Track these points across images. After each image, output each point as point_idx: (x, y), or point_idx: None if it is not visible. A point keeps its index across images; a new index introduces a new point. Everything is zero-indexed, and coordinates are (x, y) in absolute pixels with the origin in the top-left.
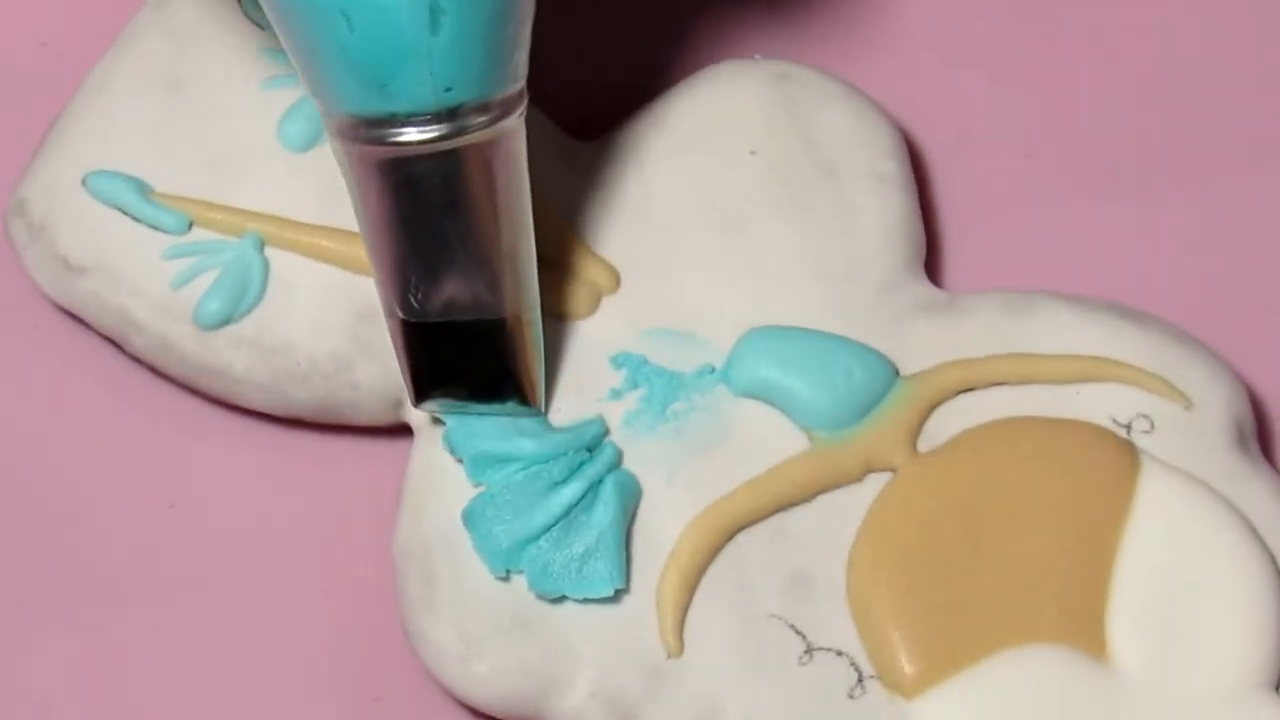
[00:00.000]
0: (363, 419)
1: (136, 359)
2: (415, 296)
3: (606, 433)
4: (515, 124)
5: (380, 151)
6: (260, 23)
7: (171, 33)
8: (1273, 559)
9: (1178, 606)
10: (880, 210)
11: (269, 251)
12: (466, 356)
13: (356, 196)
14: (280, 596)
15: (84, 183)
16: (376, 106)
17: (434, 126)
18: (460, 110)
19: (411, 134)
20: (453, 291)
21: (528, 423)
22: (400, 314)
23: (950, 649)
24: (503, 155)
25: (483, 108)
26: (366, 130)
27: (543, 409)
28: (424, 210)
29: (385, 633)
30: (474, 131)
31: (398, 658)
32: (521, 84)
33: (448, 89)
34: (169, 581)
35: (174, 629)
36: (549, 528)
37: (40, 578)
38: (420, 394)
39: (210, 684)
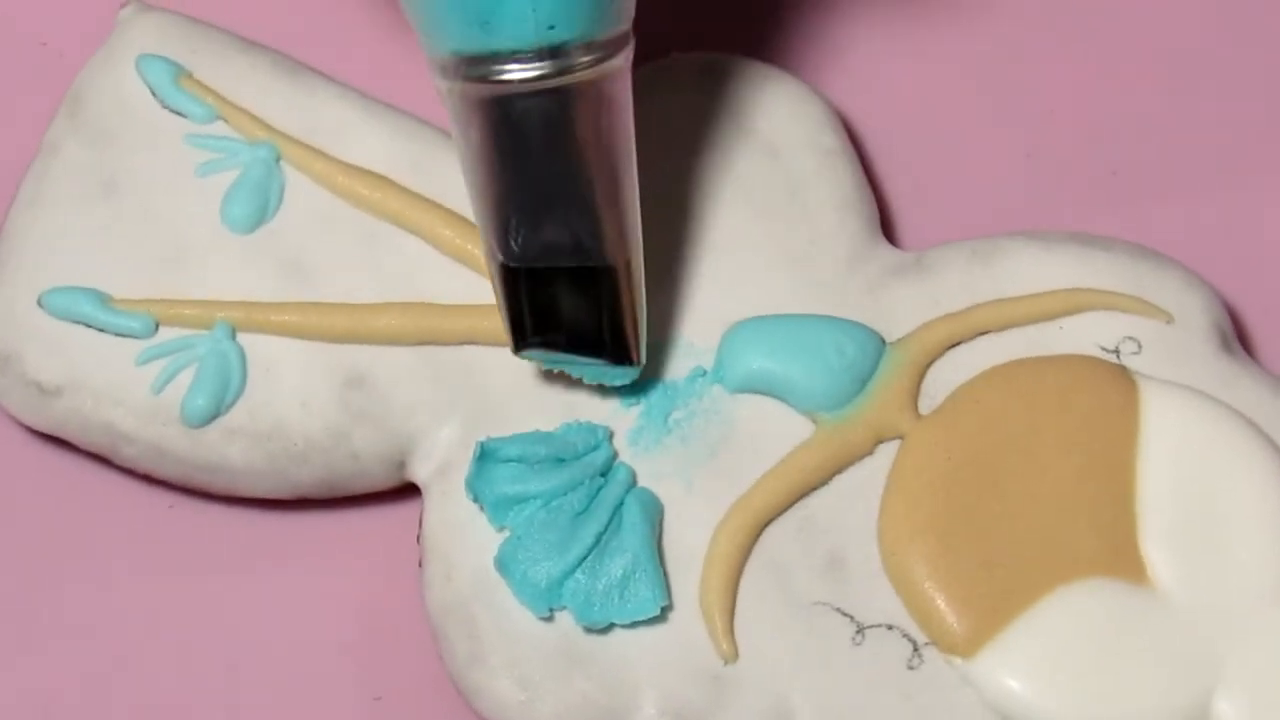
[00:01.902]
0: (367, 486)
1: (127, 469)
2: (515, 239)
3: (615, 454)
4: (620, 65)
5: (482, 89)
6: (179, 110)
7: (92, 137)
8: None
9: (1203, 518)
10: (830, 183)
11: (242, 338)
12: (566, 304)
13: (459, 136)
14: (280, 597)
15: (40, 303)
16: (479, 44)
17: (536, 65)
18: (563, 49)
19: (514, 72)
20: (553, 235)
21: (539, 455)
22: (500, 257)
23: (997, 601)
24: (607, 97)
25: (587, 47)
26: (469, 68)
27: (642, 362)
28: (525, 150)
29: (386, 633)
30: (578, 71)
31: (397, 658)
32: (627, 26)
33: (550, 26)
34: (169, 583)
35: (173, 628)
36: (583, 559)
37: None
38: (519, 342)
39: (210, 684)
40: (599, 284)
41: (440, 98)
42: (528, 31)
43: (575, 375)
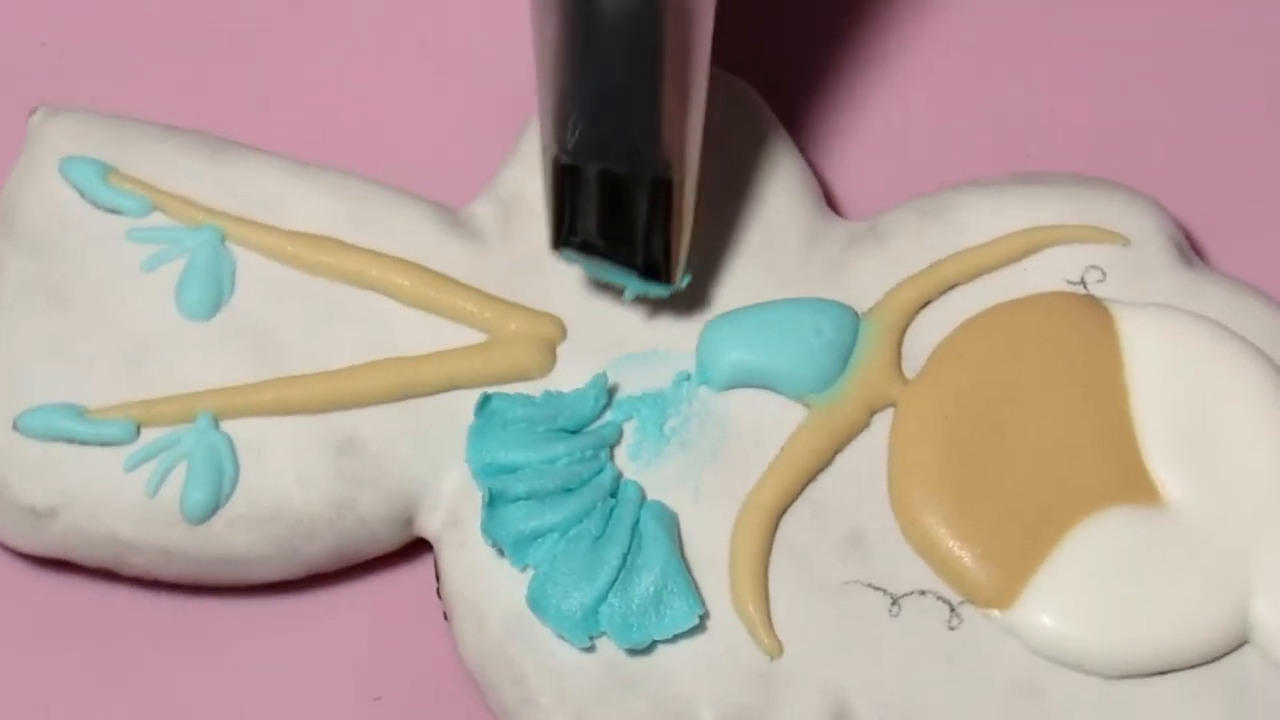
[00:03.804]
0: (378, 549)
1: (134, 578)
2: (573, 133)
3: (620, 473)
4: None
5: None
6: (114, 208)
7: (32, 250)
8: (1263, 353)
9: (1203, 429)
10: (771, 165)
11: (226, 425)
12: (613, 209)
13: (535, 27)
14: (281, 598)
15: (16, 427)
16: None
17: None
18: None
19: None
20: (612, 137)
21: (548, 487)
22: (554, 149)
23: (1022, 548)
24: (689, 9)
25: None
26: None
27: (676, 284)
28: (599, 48)
29: (386, 633)
30: None
31: (397, 657)
32: None
33: None
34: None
35: (174, 626)
36: (613, 582)
37: None
38: (558, 237)
39: (210, 683)
40: (650, 195)
41: None
42: None
43: (607, 279)
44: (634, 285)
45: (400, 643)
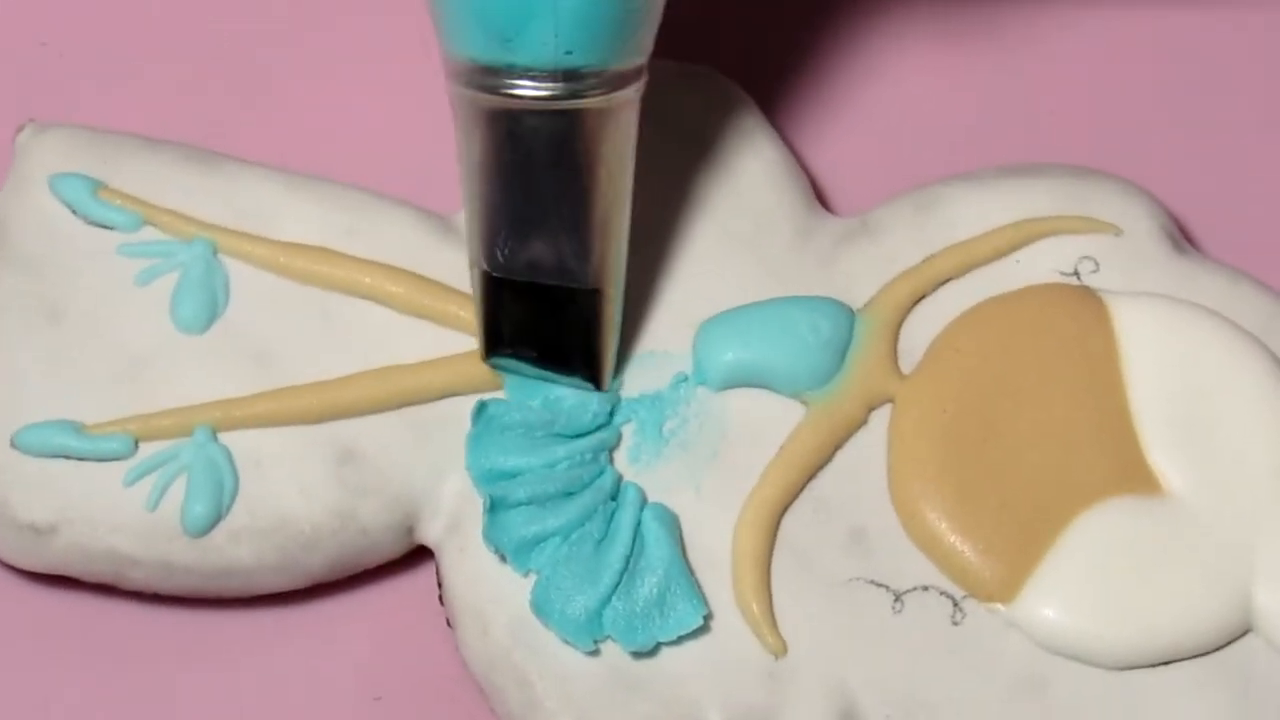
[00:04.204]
0: (379, 558)
1: (134, 592)
2: (502, 250)
3: (620, 476)
4: (631, 97)
5: (493, 101)
6: (104, 223)
7: (24, 267)
8: (1259, 340)
9: (1200, 417)
10: (759, 163)
11: (224, 437)
12: (543, 321)
13: (462, 142)
14: (282, 608)
15: (14, 445)
16: (496, 56)
17: (549, 85)
18: (578, 74)
19: (526, 88)
20: (540, 252)
21: (548, 492)
22: (485, 265)
23: (1024, 541)
24: (612, 125)
25: (600, 75)
26: (483, 77)
27: (607, 389)
28: (526, 166)
29: (386, 633)
30: (588, 96)
31: (398, 658)
32: (643, 60)
33: (568, 51)
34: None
35: (174, 639)
36: (616, 585)
37: None
38: (491, 349)
39: (212, 693)
40: (579, 306)
41: (450, 101)
42: (546, 53)
43: (537, 380)
44: (559, 381)
45: (400, 647)
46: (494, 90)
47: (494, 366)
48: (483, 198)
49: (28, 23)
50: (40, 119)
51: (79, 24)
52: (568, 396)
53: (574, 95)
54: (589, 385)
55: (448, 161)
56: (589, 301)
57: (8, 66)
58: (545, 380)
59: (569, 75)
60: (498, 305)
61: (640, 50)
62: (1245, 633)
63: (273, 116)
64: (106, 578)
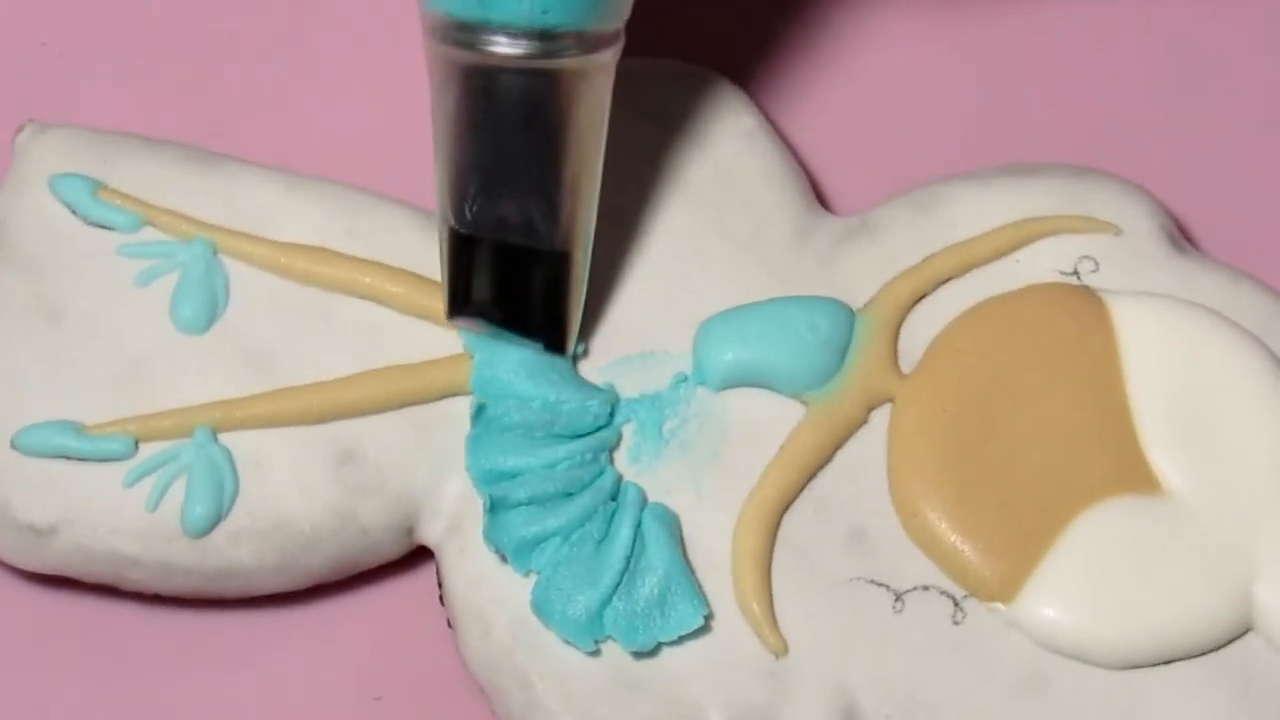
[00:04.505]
0: (379, 559)
1: (134, 593)
2: (470, 207)
3: (621, 476)
4: (606, 60)
5: (468, 56)
6: (104, 224)
7: (23, 268)
8: (1259, 339)
9: (1200, 416)
10: (758, 162)
11: (224, 438)
12: (508, 281)
13: (435, 97)
14: (281, 609)
15: (14, 445)
16: (473, 12)
17: (525, 43)
18: (553, 33)
19: (502, 45)
20: (508, 210)
21: (548, 492)
22: (452, 221)
23: (1024, 540)
24: (586, 88)
25: (577, 36)
26: (459, 33)
27: (570, 355)
28: (498, 124)
29: (386, 633)
30: (563, 57)
31: (398, 658)
32: (620, 24)
33: (545, 11)
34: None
35: (174, 639)
36: (616, 585)
37: None
38: (454, 308)
39: (209, 683)
40: (546, 267)
41: (426, 58)
42: (523, 11)
43: (502, 340)
44: (519, 343)
45: (401, 647)
46: (469, 46)
47: (457, 326)
48: (454, 154)
49: (28, 23)
50: (40, 119)
51: (79, 24)
52: (568, 399)
53: (549, 55)
54: (551, 349)
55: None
56: (556, 264)
57: (8, 66)
58: (509, 343)
59: (545, 35)
60: (463, 263)
61: (617, 15)
62: (1246, 632)
63: (273, 116)
64: (107, 578)
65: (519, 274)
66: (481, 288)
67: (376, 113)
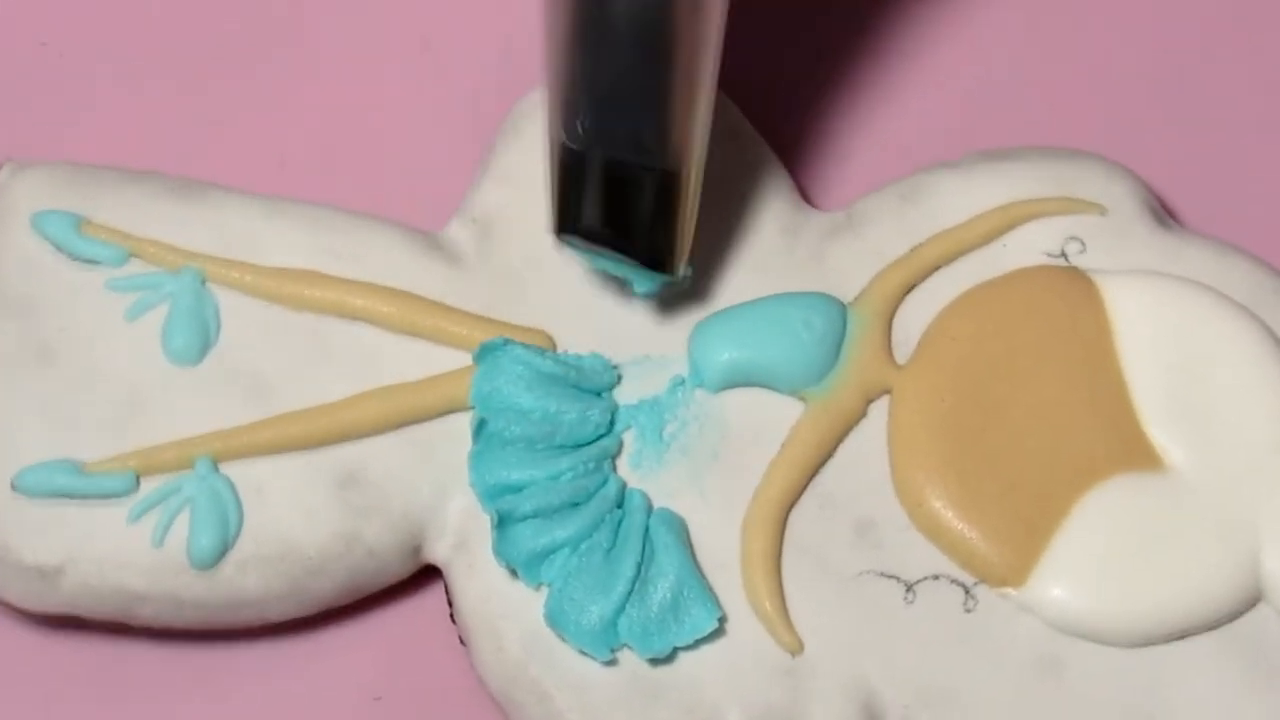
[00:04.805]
0: (386, 580)
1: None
2: (582, 121)
3: (624, 483)
4: None
5: None
6: (90, 259)
7: (11, 309)
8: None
9: (1196, 390)
10: (746, 164)
11: (225, 468)
12: (618, 199)
13: (547, 12)
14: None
15: (14, 488)
16: None
17: None
18: None
19: None
20: (619, 127)
21: (554, 503)
22: (563, 137)
23: (1031, 523)
24: (706, 9)
25: None
26: None
27: (677, 276)
28: (614, 36)
29: (386, 633)
30: None
31: (398, 657)
32: None
33: None
34: None
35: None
36: (629, 593)
37: None
38: (562, 224)
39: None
40: (657, 186)
41: None
42: None
43: (605, 269)
44: (634, 275)
45: (400, 642)
46: None
47: (564, 243)
48: (566, 68)
49: (28, 23)
50: (40, 119)
51: (79, 24)
52: (568, 409)
53: None
54: (657, 272)
55: (429, 177)
56: (666, 183)
57: (8, 66)
58: (611, 266)
59: None
60: (573, 181)
61: None
62: (1256, 602)
63: (272, 116)
64: (116, 616)
65: (628, 193)
66: (590, 205)
67: (376, 113)
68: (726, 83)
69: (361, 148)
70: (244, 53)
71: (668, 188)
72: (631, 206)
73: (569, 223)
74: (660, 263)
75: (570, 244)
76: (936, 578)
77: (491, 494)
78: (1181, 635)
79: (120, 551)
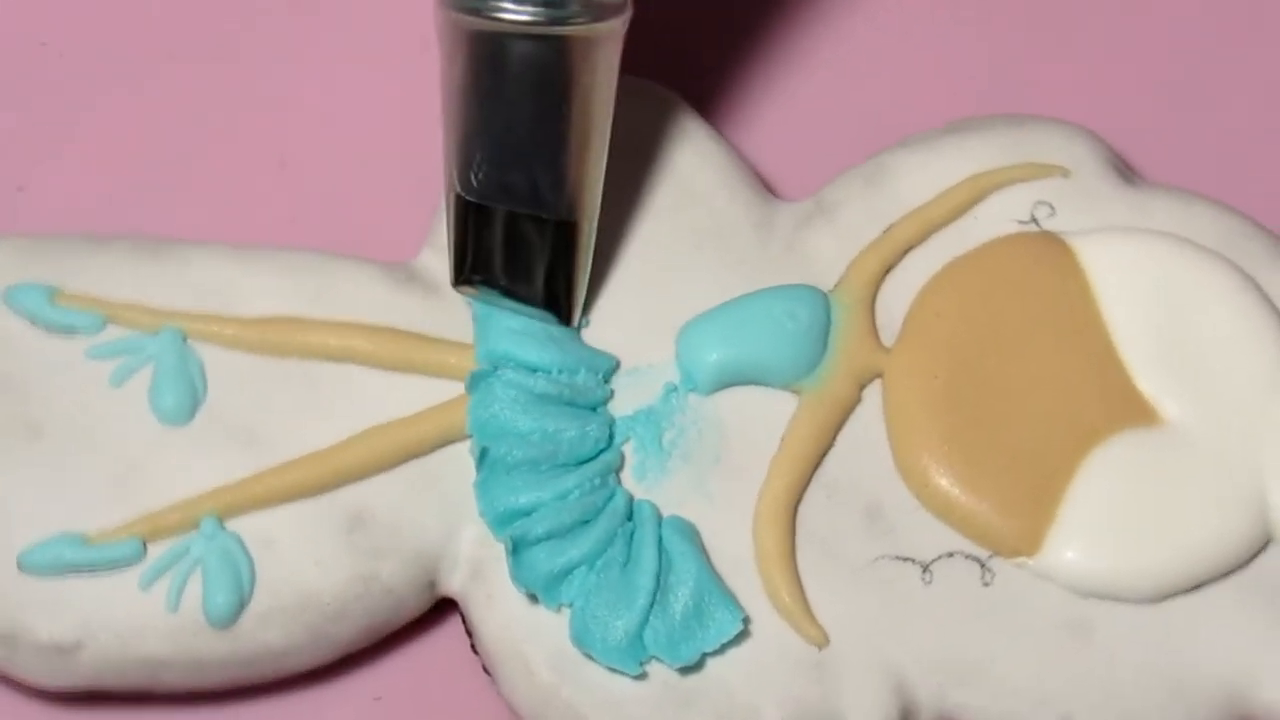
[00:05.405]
0: (405, 617)
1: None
2: (476, 174)
3: (631, 496)
4: (614, 29)
5: (475, 23)
6: (67, 328)
7: None
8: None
9: (1183, 340)
10: (706, 164)
11: (231, 524)
12: (514, 250)
13: (444, 64)
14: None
15: (20, 568)
16: None
17: (532, 9)
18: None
19: (509, 12)
20: (514, 178)
21: (565, 523)
22: (459, 189)
23: (1038, 491)
24: (595, 57)
25: (585, 3)
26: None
27: (575, 324)
28: (504, 91)
29: (388, 640)
30: (571, 24)
31: (398, 658)
32: None
33: None
34: None
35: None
36: (651, 605)
37: None
38: (460, 275)
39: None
40: (552, 237)
41: (435, 26)
42: None
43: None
44: (523, 313)
45: (400, 642)
46: (477, 12)
47: (463, 294)
48: (461, 121)
49: (28, 23)
50: (40, 119)
51: (79, 24)
52: (567, 427)
53: (557, 21)
54: (555, 319)
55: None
56: (562, 233)
57: (8, 66)
58: (513, 312)
59: (552, 1)
60: (469, 230)
61: None
62: (1268, 543)
63: (273, 116)
64: (140, 685)
65: (525, 243)
66: (486, 256)
67: (376, 113)
68: (679, 80)
69: (361, 148)
70: (244, 53)
71: (564, 238)
72: (530, 257)
73: (467, 274)
74: (559, 313)
75: (468, 294)
76: (951, 555)
77: (502, 520)
78: (1199, 584)
79: (137, 619)
